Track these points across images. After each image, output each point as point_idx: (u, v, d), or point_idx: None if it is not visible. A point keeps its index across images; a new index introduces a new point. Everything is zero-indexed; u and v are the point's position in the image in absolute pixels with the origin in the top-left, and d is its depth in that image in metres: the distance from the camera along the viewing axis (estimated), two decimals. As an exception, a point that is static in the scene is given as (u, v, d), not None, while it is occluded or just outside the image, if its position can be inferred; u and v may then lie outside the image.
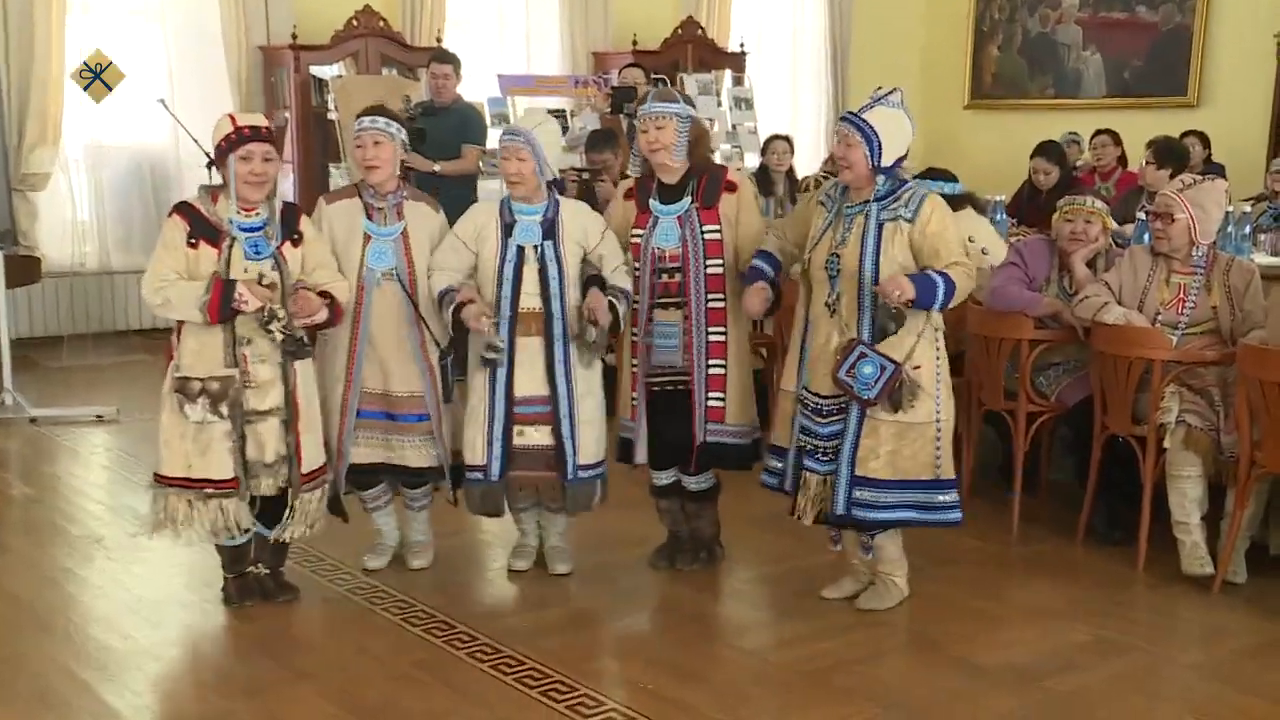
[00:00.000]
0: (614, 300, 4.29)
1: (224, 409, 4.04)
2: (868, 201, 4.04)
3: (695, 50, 10.45)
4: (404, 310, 4.34)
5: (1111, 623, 4.24)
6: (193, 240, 4.01)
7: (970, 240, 4.75)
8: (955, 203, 4.55)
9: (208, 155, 4.14)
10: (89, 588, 4.56)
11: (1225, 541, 4.50)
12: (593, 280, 4.31)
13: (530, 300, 4.29)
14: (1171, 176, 6.03)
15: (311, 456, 4.19)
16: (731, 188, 4.40)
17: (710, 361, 4.37)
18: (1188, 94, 10.49)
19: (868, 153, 3.97)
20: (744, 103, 10.08)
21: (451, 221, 4.44)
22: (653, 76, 8.20)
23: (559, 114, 8.22)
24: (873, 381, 3.97)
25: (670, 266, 4.35)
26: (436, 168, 7.16)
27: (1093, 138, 8.53)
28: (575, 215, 4.40)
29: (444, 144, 7.27)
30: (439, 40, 9.35)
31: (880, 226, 4.01)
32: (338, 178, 8.63)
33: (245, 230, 4.04)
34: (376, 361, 4.36)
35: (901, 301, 3.89)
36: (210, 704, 3.67)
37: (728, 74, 10.43)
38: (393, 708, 3.62)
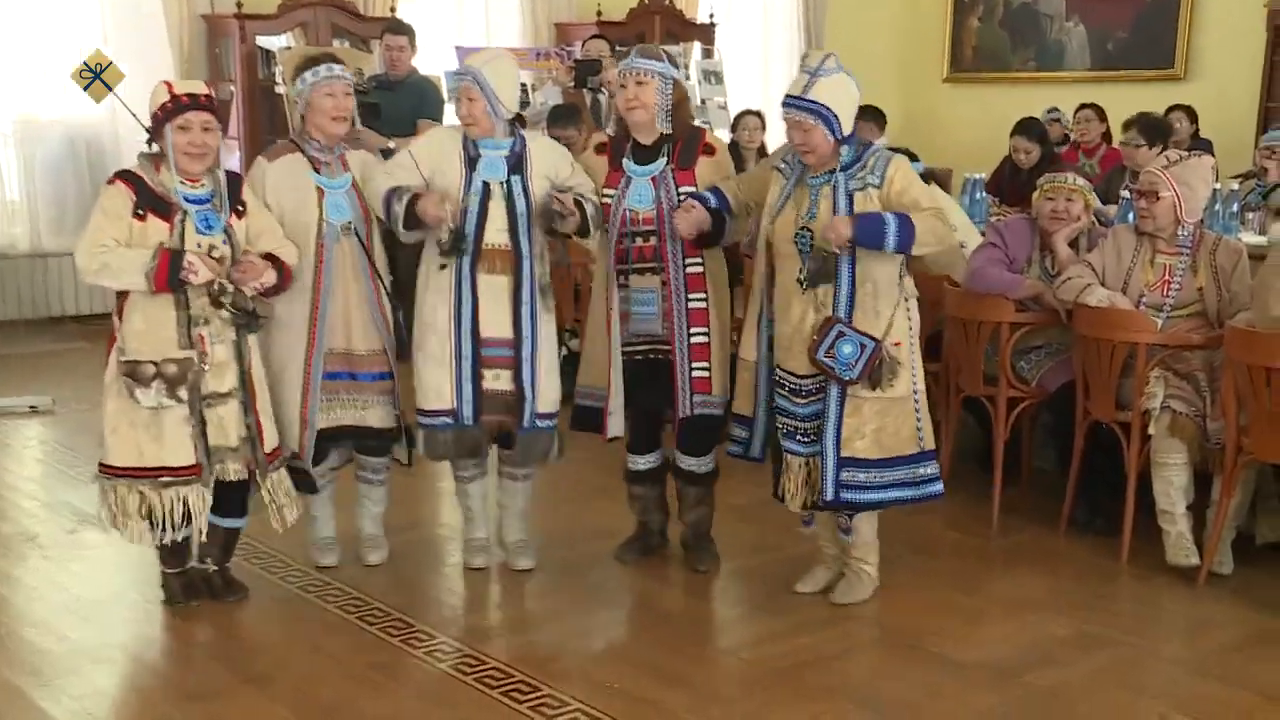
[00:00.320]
0: (580, 199, 4.15)
1: (182, 393, 3.90)
2: (833, 172, 3.96)
3: (663, 21, 10.25)
4: (360, 263, 4.22)
5: (1094, 615, 4.18)
6: (140, 211, 3.86)
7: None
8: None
9: (146, 128, 3.98)
10: (22, 588, 4.41)
11: (1211, 531, 4.44)
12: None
13: (498, 236, 4.13)
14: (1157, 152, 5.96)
15: (271, 436, 4.10)
16: (710, 150, 4.28)
17: (692, 330, 4.25)
18: (1174, 66, 10.31)
19: (827, 131, 3.90)
20: (714, 76, 9.93)
21: None
22: (617, 49, 8.03)
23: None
24: (853, 361, 3.91)
25: (644, 230, 4.22)
26: (391, 144, 6.93)
27: (1076, 112, 8.44)
28: (544, 151, 4.27)
29: (399, 119, 7.06)
30: (393, 10, 9.08)
31: (850, 197, 3.94)
32: (288, 155, 8.42)
33: (192, 202, 3.90)
34: (340, 319, 4.23)
35: (840, 244, 3.84)
36: (155, 709, 3.60)
37: (696, 46, 10.26)
38: (349, 710, 3.55)
